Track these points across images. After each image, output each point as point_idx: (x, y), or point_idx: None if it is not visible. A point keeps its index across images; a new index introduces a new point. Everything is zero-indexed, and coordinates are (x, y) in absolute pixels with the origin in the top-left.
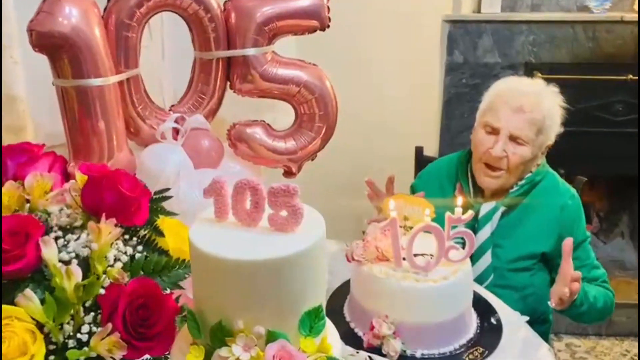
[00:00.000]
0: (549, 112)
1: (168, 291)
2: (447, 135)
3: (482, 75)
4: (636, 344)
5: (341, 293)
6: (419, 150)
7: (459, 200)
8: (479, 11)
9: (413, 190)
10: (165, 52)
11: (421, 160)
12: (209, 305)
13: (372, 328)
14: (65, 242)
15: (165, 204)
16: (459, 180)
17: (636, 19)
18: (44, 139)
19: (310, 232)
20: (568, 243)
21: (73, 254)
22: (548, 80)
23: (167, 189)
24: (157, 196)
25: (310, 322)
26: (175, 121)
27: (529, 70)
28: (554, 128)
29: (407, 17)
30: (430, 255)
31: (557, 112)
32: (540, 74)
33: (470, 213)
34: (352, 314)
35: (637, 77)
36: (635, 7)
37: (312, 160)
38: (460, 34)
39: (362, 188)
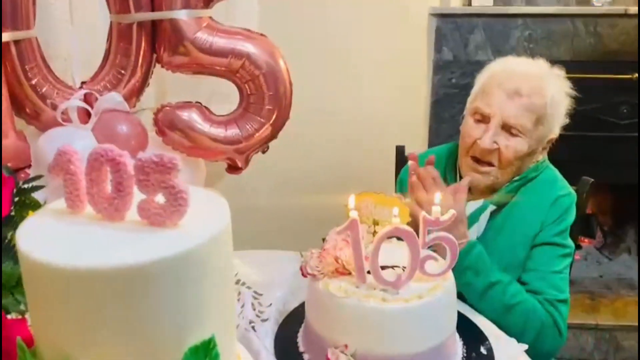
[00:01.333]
0: (552, 99)
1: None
2: (436, 141)
3: (473, 74)
4: None
5: (297, 317)
6: (399, 150)
7: (437, 196)
8: (469, 4)
9: (401, 185)
10: (75, 14)
11: (402, 161)
12: (45, 336)
13: None
14: None
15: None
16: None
17: None
18: None
19: (200, 227)
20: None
21: None
22: None
23: (40, 176)
24: (28, 185)
25: None
26: (86, 100)
27: None
28: (558, 119)
29: (391, 10)
30: (403, 268)
31: (562, 100)
32: None
33: (451, 213)
34: (307, 342)
35: None
36: None
37: (264, 152)
38: (449, 29)
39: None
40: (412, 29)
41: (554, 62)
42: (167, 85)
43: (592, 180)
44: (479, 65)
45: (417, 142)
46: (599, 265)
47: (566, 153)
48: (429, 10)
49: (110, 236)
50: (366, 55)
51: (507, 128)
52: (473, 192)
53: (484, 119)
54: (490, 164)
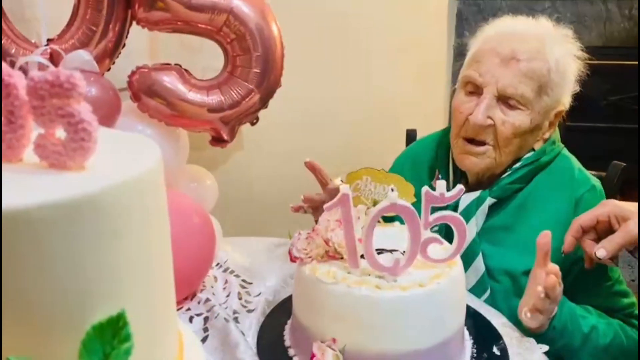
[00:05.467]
0: (557, 64)
1: None
2: None
3: None
4: None
5: (286, 307)
6: (410, 135)
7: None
8: None
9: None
10: None
11: None
12: None
13: (313, 357)
14: None
15: None
16: (436, 166)
17: None
18: None
19: (112, 170)
20: (545, 237)
21: None
22: None
23: None
24: None
25: (104, 346)
26: (53, 61)
27: None
28: (566, 87)
29: None
30: (404, 253)
31: (571, 65)
32: None
33: (459, 188)
34: (294, 336)
35: None
36: None
37: (253, 124)
38: (471, 12)
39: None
40: (431, 11)
41: (584, 48)
42: (159, 60)
43: (624, 165)
44: None
45: None
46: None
47: (597, 146)
48: None
49: None
50: (381, 40)
51: (503, 99)
52: (470, 182)
53: (476, 90)
54: (484, 143)
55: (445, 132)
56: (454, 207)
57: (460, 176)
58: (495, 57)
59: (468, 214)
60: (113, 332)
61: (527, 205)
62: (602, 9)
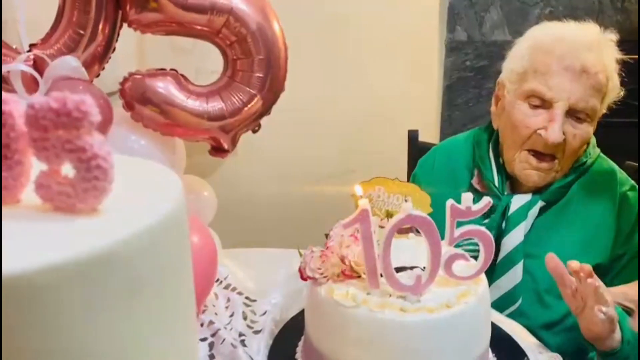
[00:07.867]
0: (611, 71)
1: None
2: (449, 129)
3: (489, 56)
4: None
5: (296, 327)
6: (413, 136)
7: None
8: None
9: (413, 181)
10: None
11: (416, 148)
12: None
13: None
14: None
15: None
16: (477, 166)
17: None
18: None
19: (129, 216)
20: (552, 261)
21: None
22: None
23: None
24: None
25: None
26: (34, 66)
27: None
28: (614, 92)
29: None
30: (424, 268)
31: (615, 70)
32: None
33: (486, 201)
34: (307, 359)
35: None
36: None
37: (255, 132)
38: (462, 7)
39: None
40: (422, 6)
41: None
42: (147, 63)
43: (637, 165)
44: (496, 46)
45: (428, 130)
46: None
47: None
48: None
49: None
50: (372, 36)
51: (572, 113)
52: (522, 185)
53: (544, 104)
54: (552, 157)
55: (480, 132)
56: (503, 211)
57: (506, 177)
58: (565, 71)
59: (519, 217)
60: None
61: (569, 207)
62: (594, 1)
